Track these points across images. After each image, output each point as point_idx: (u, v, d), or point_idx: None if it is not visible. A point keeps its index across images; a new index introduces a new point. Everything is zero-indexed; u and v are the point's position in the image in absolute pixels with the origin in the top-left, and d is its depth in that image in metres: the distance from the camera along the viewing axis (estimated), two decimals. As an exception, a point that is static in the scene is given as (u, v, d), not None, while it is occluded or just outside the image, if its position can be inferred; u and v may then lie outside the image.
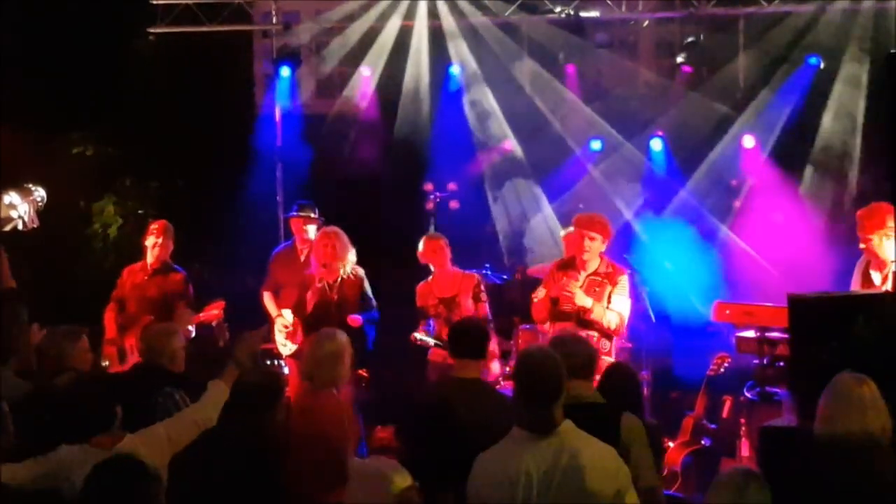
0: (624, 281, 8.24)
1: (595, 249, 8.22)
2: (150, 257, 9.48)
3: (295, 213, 9.87)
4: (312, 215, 9.75)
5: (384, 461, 5.08)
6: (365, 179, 12.40)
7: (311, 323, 8.83)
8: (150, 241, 9.50)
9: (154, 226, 9.57)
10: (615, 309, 8.11)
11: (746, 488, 4.51)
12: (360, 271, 9.11)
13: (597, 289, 8.16)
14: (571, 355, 5.31)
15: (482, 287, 9.13)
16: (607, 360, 8.00)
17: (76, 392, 5.35)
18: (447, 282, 9.15)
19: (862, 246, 7.97)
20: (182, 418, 5.58)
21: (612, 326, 8.08)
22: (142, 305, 9.32)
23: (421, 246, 9.20)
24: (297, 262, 9.70)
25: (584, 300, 8.06)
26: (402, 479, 4.68)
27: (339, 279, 9.00)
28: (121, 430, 5.20)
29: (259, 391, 5.13)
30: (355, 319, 8.85)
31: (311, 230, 9.70)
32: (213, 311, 9.28)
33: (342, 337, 6.24)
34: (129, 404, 5.35)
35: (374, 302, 9.08)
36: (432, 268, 9.17)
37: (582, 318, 8.10)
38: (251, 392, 5.12)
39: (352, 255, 9.11)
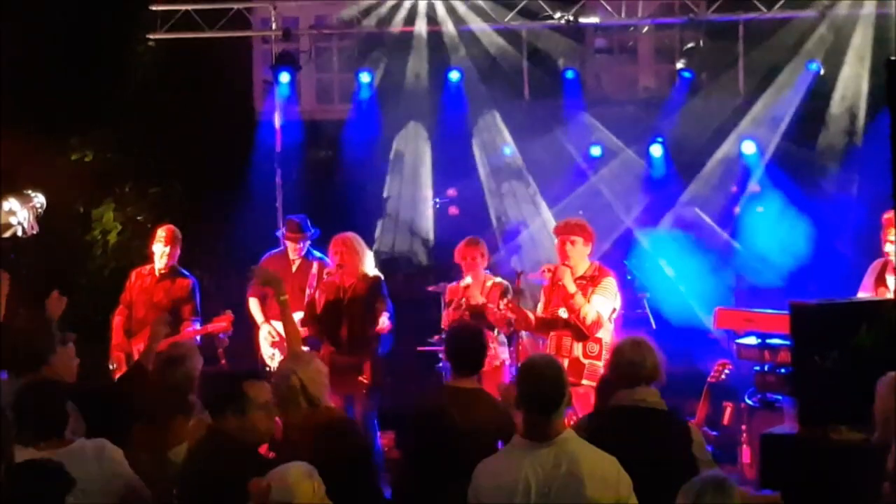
0: (607, 283, 8.33)
1: (578, 253, 8.38)
2: (159, 264, 9.48)
3: (281, 234, 9.79)
4: (299, 234, 9.65)
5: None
6: (364, 186, 12.39)
7: (321, 323, 8.99)
8: (157, 249, 9.49)
9: (162, 233, 9.53)
10: (594, 305, 8.20)
11: (703, 495, 4.48)
12: (376, 276, 9.14)
13: (580, 291, 8.31)
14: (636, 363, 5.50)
15: (510, 290, 9.17)
16: (596, 363, 8.07)
17: (26, 396, 5.42)
18: (478, 288, 9.27)
19: (888, 248, 7.99)
20: None
21: (588, 321, 8.14)
22: (150, 310, 9.32)
23: (458, 248, 9.36)
24: (289, 271, 9.62)
25: (570, 284, 8.22)
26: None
27: (354, 283, 9.05)
28: (73, 436, 5.38)
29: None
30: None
31: (304, 246, 9.67)
32: (222, 324, 9.30)
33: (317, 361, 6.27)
34: None
35: (386, 307, 9.09)
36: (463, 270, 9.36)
37: (567, 323, 8.24)
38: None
39: (368, 260, 9.16)
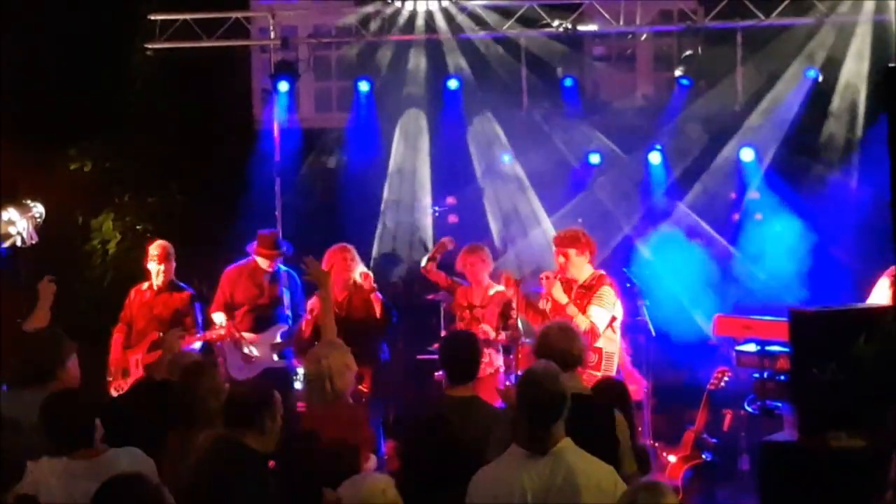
0: (603, 292, 8.38)
1: (574, 264, 8.46)
2: (156, 281, 9.44)
3: (252, 248, 9.65)
4: (275, 252, 9.50)
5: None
6: (363, 193, 12.39)
7: (314, 337, 8.89)
8: (152, 267, 9.45)
9: (154, 251, 9.48)
10: (589, 316, 8.24)
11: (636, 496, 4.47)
12: (366, 283, 9.12)
13: (578, 301, 8.40)
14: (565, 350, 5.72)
15: (513, 305, 9.13)
16: (594, 374, 8.03)
17: (56, 406, 5.39)
18: (479, 294, 9.33)
19: None
20: None
21: (581, 331, 8.08)
22: (150, 323, 9.33)
23: (459, 256, 9.41)
24: (258, 283, 9.55)
25: (560, 296, 8.35)
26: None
27: (347, 296, 9.04)
28: (103, 445, 5.33)
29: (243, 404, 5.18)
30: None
31: (277, 262, 9.57)
32: (220, 332, 9.28)
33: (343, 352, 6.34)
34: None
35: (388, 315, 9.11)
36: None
37: None
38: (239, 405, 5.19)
39: (359, 270, 9.14)
